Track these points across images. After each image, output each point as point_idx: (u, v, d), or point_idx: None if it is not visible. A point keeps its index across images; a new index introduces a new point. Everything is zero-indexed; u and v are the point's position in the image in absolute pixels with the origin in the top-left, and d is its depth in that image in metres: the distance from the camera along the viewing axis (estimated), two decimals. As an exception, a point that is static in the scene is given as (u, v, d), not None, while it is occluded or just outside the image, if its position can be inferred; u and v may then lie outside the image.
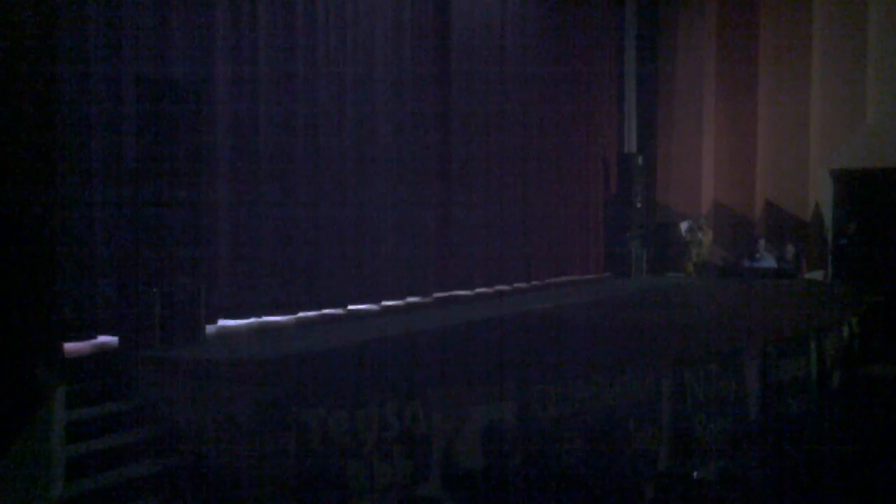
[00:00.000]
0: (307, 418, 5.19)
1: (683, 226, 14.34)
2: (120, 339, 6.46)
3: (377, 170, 9.57)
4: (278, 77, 8.40)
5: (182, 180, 6.52)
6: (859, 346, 9.61)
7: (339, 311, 8.98)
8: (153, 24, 7.10)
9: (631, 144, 15.08)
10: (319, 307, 8.77)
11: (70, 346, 6.16)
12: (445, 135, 10.66)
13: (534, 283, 12.25)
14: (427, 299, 10.20)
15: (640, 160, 14.19)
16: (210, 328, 7.21)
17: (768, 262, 13.60)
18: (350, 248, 9.17)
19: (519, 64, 12.07)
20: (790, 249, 13.70)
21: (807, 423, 7.58)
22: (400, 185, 9.91)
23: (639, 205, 13.99)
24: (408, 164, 10.04)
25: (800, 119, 14.51)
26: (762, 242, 13.81)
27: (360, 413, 5.28)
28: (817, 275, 14.16)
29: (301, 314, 8.54)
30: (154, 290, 6.36)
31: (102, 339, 6.63)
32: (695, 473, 6.18)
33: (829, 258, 14.33)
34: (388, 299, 9.65)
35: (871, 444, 6.53)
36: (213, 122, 7.64)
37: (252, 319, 8.06)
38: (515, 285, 11.86)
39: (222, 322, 7.71)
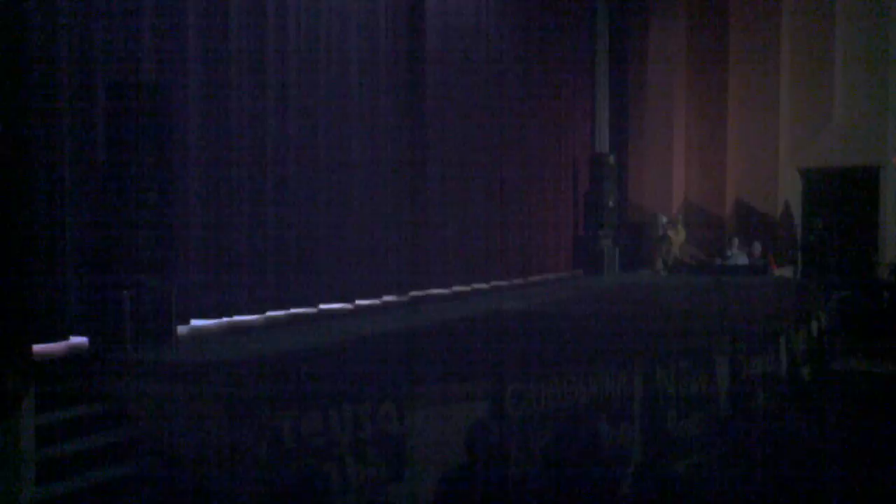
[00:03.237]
0: (279, 420, 5.16)
1: (663, 219, 14.51)
2: (90, 341, 6.38)
3: (350, 168, 9.53)
4: (249, 77, 8.35)
5: (151, 181, 6.45)
6: (828, 341, 9.76)
7: (310, 310, 8.91)
8: (124, 28, 7.04)
9: (603, 144, 15.17)
10: (290, 306, 8.71)
11: (39, 349, 6.07)
12: (420, 134, 10.66)
13: (513, 280, 12.30)
14: (402, 298, 10.18)
15: (612, 160, 14.29)
16: (181, 328, 7.15)
17: (741, 259, 13.77)
18: (323, 246, 9.11)
19: (493, 66, 12.11)
20: (757, 246, 13.90)
21: (777, 417, 7.67)
22: (374, 183, 9.89)
23: (611, 203, 14.09)
24: (382, 163, 10.02)
25: (769, 119, 14.71)
26: (736, 241, 14.00)
27: (333, 414, 5.27)
28: (787, 271, 14.38)
29: (272, 313, 8.48)
30: (125, 292, 6.29)
31: (73, 340, 6.54)
32: (674, 468, 6.24)
33: (799, 255, 14.55)
34: (362, 298, 9.61)
35: (841, 438, 6.63)
36: (185, 122, 7.58)
37: (223, 319, 8.00)
38: (492, 283, 11.89)
39: (194, 322, 7.64)
